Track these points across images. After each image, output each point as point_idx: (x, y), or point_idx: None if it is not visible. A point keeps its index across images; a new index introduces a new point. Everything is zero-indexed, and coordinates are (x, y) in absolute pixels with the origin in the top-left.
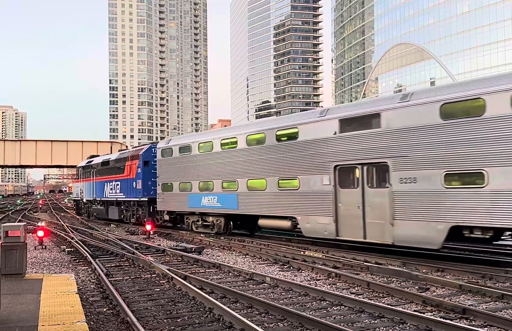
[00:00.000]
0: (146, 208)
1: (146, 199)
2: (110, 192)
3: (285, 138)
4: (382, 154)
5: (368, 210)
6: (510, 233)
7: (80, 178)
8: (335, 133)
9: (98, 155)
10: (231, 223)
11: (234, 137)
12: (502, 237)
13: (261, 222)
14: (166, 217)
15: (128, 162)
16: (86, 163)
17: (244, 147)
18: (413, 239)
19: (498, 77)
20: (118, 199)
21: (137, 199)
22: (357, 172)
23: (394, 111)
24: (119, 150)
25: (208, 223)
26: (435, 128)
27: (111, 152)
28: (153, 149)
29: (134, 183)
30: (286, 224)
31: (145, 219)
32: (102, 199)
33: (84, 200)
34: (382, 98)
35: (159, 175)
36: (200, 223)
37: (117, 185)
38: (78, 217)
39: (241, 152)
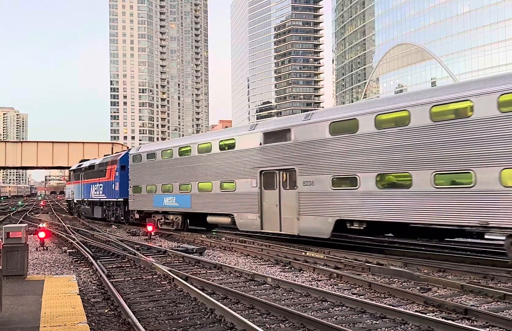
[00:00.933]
0: (123, 207)
1: (122, 200)
2: (95, 193)
3: (226, 147)
4: (291, 162)
5: (283, 208)
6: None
7: (71, 180)
8: (260, 144)
9: (88, 160)
10: (188, 220)
11: (189, 146)
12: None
13: (209, 218)
14: (137, 216)
15: (109, 167)
16: (77, 167)
17: (196, 154)
18: (312, 230)
19: (366, 103)
20: (101, 200)
21: (116, 200)
22: (276, 176)
23: (300, 127)
24: (104, 155)
25: (169, 221)
26: (326, 142)
27: (112, 153)
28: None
29: (113, 185)
30: (227, 220)
31: (121, 218)
32: (88, 199)
33: (75, 201)
34: (293, 116)
35: (130, 178)
36: (163, 220)
37: (100, 186)
38: (79, 218)
39: (193, 159)
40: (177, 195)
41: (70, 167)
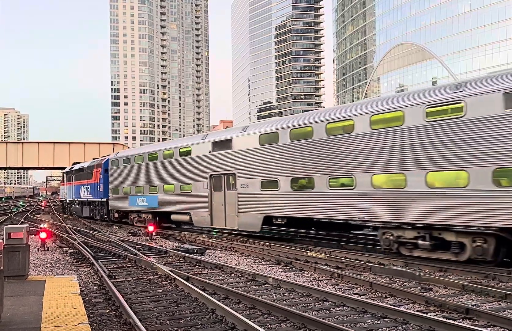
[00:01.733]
0: (106, 207)
1: (105, 200)
2: (84, 193)
3: (185, 154)
4: (233, 167)
5: (227, 206)
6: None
7: (64, 182)
8: (210, 152)
9: (79, 162)
10: (157, 218)
11: (156, 153)
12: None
13: (172, 216)
14: (116, 215)
15: (95, 169)
16: (69, 169)
17: (161, 160)
18: (247, 225)
19: (286, 119)
20: (88, 200)
21: (100, 200)
22: (222, 179)
23: (238, 138)
24: (93, 158)
25: (142, 219)
26: (256, 151)
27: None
28: None
29: (98, 186)
30: (186, 217)
31: (105, 216)
32: (78, 199)
33: (67, 201)
34: (234, 128)
35: (110, 181)
36: (137, 218)
37: (88, 188)
38: (79, 219)
39: (160, 164)
40: (147, 196)
41: None
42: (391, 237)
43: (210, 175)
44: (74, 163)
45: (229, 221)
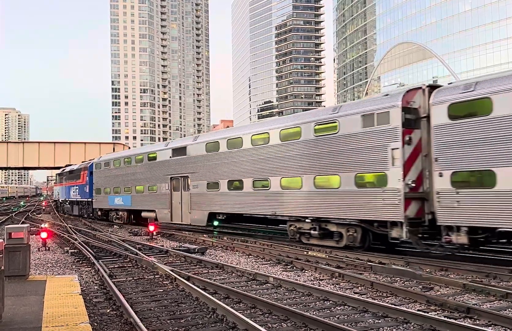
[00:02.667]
0: (92, 206)
1: (91, 199)
2: (73, 194)
3: (152, 159)
4: (187, 171)
5: (183, 205)
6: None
7: (57, 183)
8: (170, 157)
9: (71, 164)
10: (132, 215)
11: (130, 157)
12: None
13: (143, 214)
14: (99, 213)
15: (82, 172)
16: (61, 171)
17: (134, 164)
18: (197, 221)
19: (225, 131)
20: (77, 199)
21: (87, 199)
22: (179, 181)
23: (191, 146)
24: (82, 161)
25: (119, 216)
26: (204, 157)
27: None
28: None
29: (85, 187)
30: (153, 214)
31: (91, 214)
32: (69, 199)
33: (60, 200)
34: (188, 137)
35: (94, 182)
36: (115, 215)
37: (77, 188)
38: (81, 218)
39: (133, 167)
40: (123, 196)
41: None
42: (294, 228)
43: (171, 178)
44: (66, 165)
45: (184, 217)
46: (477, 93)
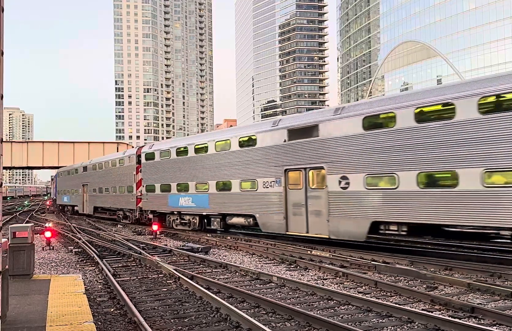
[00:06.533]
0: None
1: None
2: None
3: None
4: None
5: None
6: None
7: (52, 183)
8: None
9: (66, 166)
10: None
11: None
12: None
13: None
14: (69, 207)
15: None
16: (55, 173)
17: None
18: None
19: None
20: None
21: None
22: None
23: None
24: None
25: (67, 210)
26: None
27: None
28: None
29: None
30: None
31: (68, 211)
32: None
33: (53, 198)
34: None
35: (57, 186)
36: (66, 209)
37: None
38: (84, 217)
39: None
40: (68, 196)
41: None
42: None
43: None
44: (59, 167)
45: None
46: None
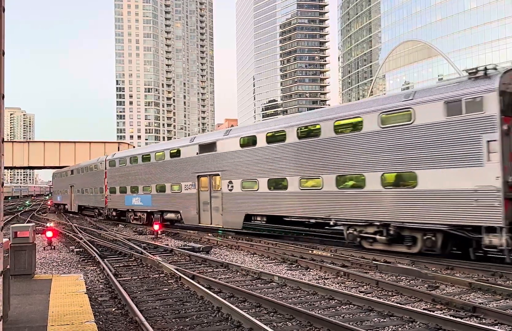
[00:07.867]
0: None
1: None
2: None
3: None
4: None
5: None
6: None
7: (52, 183)
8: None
9: (64, 166)
10: (81, 207)
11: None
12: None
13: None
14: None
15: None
16: (53, 174)
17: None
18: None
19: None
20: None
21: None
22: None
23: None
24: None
25: (60, 208)
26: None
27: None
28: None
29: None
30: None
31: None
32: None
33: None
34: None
35: (54, 185)
36: (61, 207)
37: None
38: (86, 218)
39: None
40: (59, 195)
41: None
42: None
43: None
44: (60, 167)
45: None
46: None
